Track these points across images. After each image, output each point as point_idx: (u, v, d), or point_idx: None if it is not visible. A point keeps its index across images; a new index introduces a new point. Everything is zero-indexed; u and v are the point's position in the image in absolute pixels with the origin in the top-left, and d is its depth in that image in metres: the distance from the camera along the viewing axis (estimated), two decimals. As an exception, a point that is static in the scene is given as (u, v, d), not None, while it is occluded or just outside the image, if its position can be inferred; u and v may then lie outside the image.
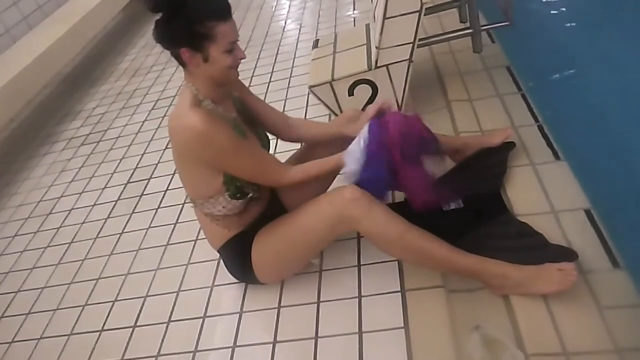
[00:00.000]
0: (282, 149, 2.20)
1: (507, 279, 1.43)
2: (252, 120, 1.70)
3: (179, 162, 1.56)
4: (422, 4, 1.99)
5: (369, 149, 1.48)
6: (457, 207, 1.76)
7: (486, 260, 1.46)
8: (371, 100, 2.31)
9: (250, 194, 1.58)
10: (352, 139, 1.55)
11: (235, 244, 1.66)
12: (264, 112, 1.78)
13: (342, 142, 1.62)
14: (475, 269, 1.46)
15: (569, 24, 2.99)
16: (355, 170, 1.50)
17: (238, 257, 1.67)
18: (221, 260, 1.80)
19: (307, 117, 2.63)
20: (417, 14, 2.02)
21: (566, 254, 1.47)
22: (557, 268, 1.39)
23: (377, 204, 1.48)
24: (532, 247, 1.54)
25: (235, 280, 1.81)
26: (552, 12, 3.16)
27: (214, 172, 1.51)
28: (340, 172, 1.58)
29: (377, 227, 1.47)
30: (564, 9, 3.11)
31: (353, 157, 1.50)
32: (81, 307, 2.00)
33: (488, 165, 1.86)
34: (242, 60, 1.47)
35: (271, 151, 1.87)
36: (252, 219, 1.67)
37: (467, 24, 2.43)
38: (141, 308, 1.90)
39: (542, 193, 1.74)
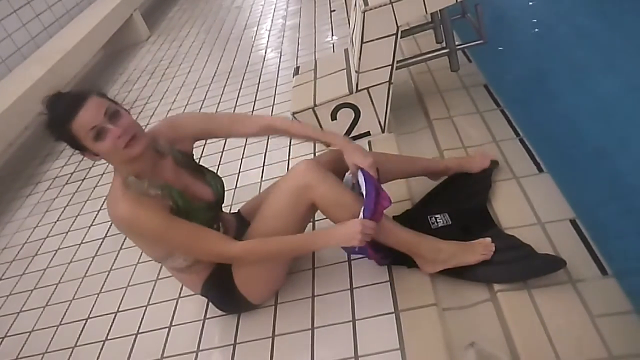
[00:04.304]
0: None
1: (440, 252, 1.57)
2: (198, 168, 1.70)
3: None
4: (398, 27, 2.04)
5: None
6: (444, 224, 1.77)
7: (422, 235, 1.60)
8: (354, 123, 2.34)
9: None
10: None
11: (214, 278, 1.66)
12: (225, 129, 1.74)
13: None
14: (413, 241, 1.58)
15: (540, 42, 3.09)
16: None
17: (222, 289, 1.66)
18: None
19: (291, 143, 2.64)
20: (394, 36, 2.06)
21: (555, 262, 1.49)
22: (479, 242, 1.58)
23: (330, 174, 1.54)
24: (521, 259, 1.54)
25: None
26: (525, 30, 3.25)
27: None
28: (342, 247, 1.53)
29: (332, 193, 1.52)
30: (536, 28, 3.21)
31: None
32: (70, 349, 1.95)
33: (472, 182, 1.88)
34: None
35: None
36: None
37: (443, 44, 2.48)
38: (132, 346, 1.86)
39: (528, 205, 1.76)
